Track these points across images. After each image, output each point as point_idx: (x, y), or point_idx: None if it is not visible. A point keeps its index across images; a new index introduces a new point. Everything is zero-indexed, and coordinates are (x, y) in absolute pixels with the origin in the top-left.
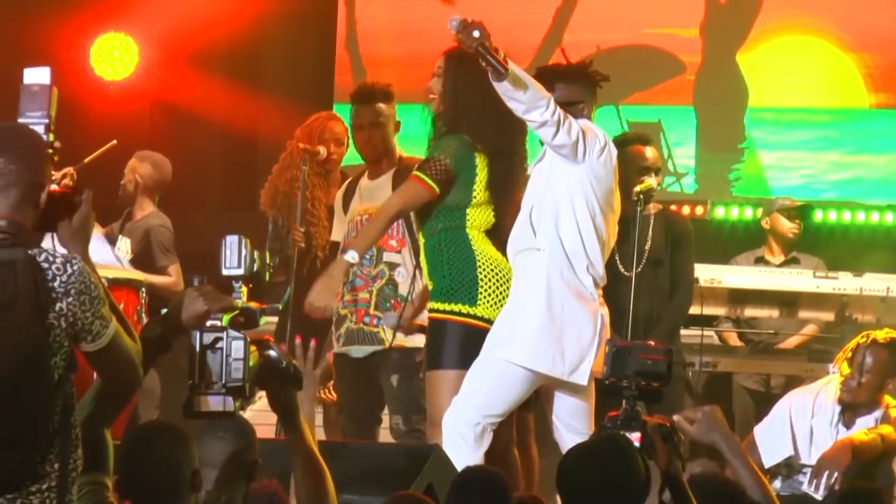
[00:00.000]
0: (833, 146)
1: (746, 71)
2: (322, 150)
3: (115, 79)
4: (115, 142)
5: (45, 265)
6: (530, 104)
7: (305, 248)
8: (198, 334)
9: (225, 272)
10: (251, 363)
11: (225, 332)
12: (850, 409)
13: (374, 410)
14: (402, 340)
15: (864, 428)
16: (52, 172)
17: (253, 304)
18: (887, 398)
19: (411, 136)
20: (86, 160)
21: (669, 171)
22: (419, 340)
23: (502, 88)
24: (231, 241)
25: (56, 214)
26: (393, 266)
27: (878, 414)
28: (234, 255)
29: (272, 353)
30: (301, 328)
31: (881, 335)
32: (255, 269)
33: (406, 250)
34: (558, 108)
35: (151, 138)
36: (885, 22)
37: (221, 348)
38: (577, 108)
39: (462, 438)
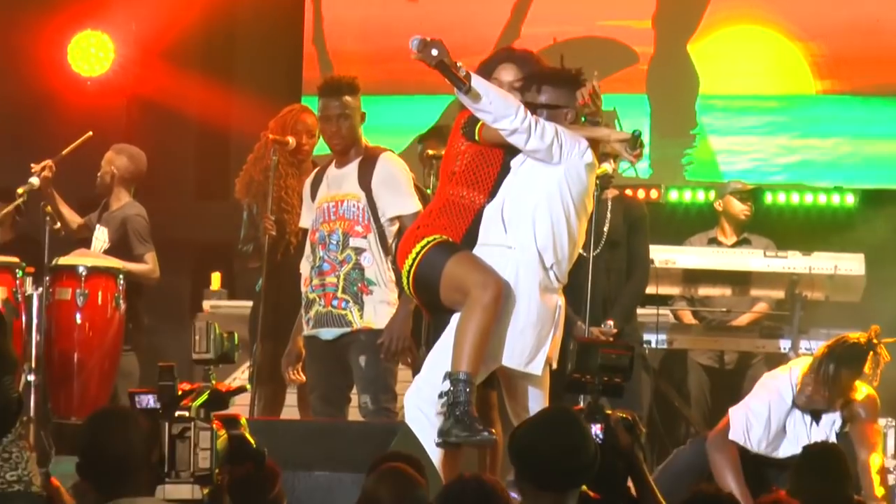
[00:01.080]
0: (781, 131)
1: (697, 60)
2: (291, 140)
3: (93, 75)
4: (90, 133)
5: None
6: (498, 114)
7: (279, 235)
8: (167, 424)
9: (195, 356)
10: (219, 447)
11: (193, 423)
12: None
13: (343, 390)
14: (370, 322)
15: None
16: (32, 165)
17: (220, 387)
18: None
19: (376, 126)
20: (63, 152)
21: (636, 163)
22: (384, 323)
23: (467, 101)
24: (200, 326)
25: None
26: (359, 251)
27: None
28: (203, 340)
29: (238, 432)
30: (273, 312)
31: (842, 350)
32: (223, 351)
33: (372, 235)
34: (528, 114)
35: (128, 132)
36: (830, 12)
37: (189, 437)
38: (561, 113)
39: (423, 415)
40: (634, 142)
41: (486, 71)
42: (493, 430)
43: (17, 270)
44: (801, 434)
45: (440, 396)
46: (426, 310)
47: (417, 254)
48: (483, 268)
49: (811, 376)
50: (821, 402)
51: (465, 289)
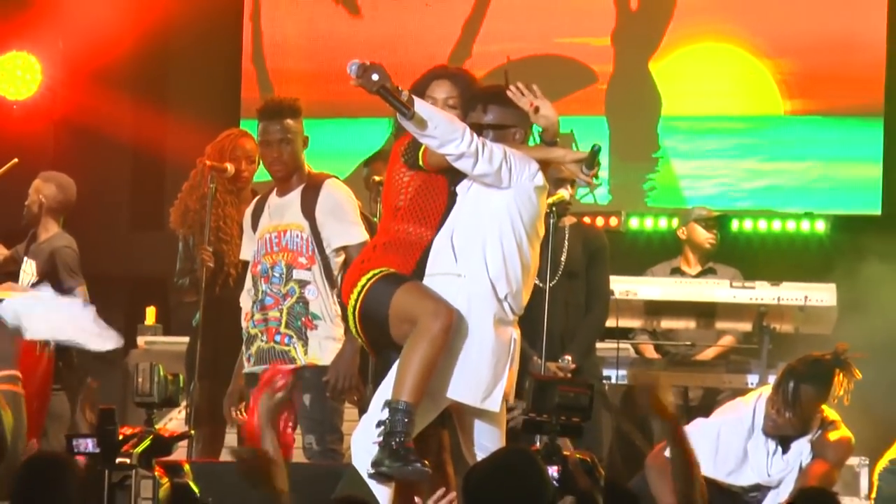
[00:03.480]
0: (748, 154)
1: (659, 79)
2: (230, 167)
3: (19, 98)
4: (16, 160)
5: None
6: (444, 138)
7: (217, 267)
8: (107, 472)
9: (137, 399)
10: (161, 496)
11: (134, 471)
12: (780, 436)
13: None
14: (315, 359)
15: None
16: None
17: (163, 432)
18: (826, 411)
19: (320, 151)
20: None
21: (596, 186)
22: (330, 359)
23: (410, 127)
24: (143, 368)
25: None
26: (303, 283)
27: (812, 437)
28: (146, 382)
29: (182, 480)
30: (211, 348)
31: (804, 367)
32: (167, 394)
33: (316, 267)
34: (475, 137)
35: (56, 158)
36: (800, 27)
37: (130, 486)
38: (509, 133)
39: (370, 456)
40: (592, 160)
41: (419, 89)
42: (426, 464)
43: None
44: (761, 462)
45: (377, 426)
46: (371, 349)
47: (363, 287)
48: (434, 297)
49: (773, 397)
50: (787, 427)
51: (414, 318)
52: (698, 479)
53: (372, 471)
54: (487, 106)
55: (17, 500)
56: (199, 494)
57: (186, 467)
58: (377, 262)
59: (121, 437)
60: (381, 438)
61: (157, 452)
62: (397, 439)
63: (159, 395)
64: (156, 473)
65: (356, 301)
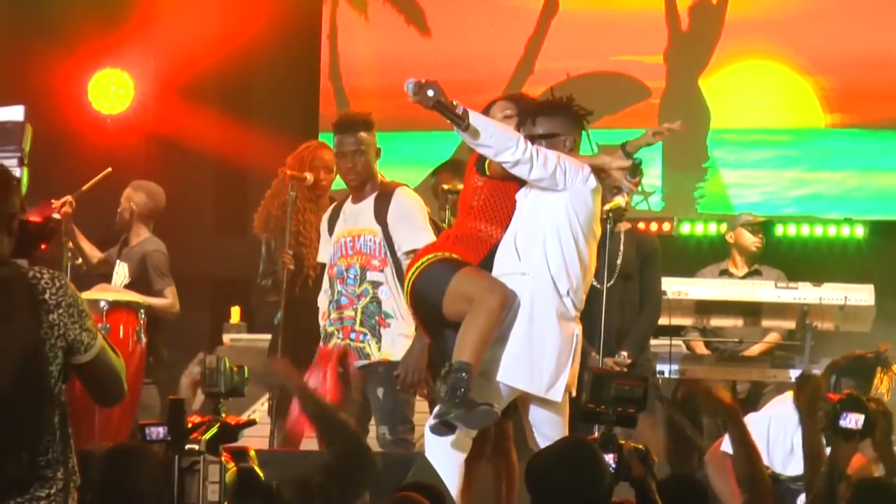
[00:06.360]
0: (792, 164)
1: (708, 94)
2: (309, 175)
3: (112, 112)
4: (109, 169)
5: (35, 280)
6: (499, 147)
7: (297, 269)
8: (176, 458)
9: (205, 390)
10: (227, 480)
11: (202, 457)
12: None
13: (362, 421)
14: (388, 354)
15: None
16: (53, 201)
17: (230, 420)
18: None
19: (392, 161)
20: (83, 188)
21: (638, 192)
22: (402, 355)
23: (467, 138)
24: (210, 360)
25: (30, 242)
26: (376, 284)
27: None
28: (213, 374)
29: (247, 465)
30: (292, 346)
31: (846, 363)
32: (233, 384)
33: (388, 269)
34: (528, 145)
35: (146, 168)
36: (840, 46)
37: (199, 471)
38: (559, 141)
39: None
40: (635, 169)
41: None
42: (493, 405)
43: (141, 311)
44: None
45: (439, 382)
46: (423, 326)
47: (422, 264)
48: (491, 277)
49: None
50: None
51: (471, 296)
52: (762, 470)
53: (434, 421)
54: (537, 118)
55: (97, 491)
56: (263, 478)
57: (252, 453)
58: (443, 247)
59: (190, 426)
60: (444, 395)
61: (223, 439)
62: (460, 391)
63: (225, 385)
64: (222, 459)
65: (413, 274)
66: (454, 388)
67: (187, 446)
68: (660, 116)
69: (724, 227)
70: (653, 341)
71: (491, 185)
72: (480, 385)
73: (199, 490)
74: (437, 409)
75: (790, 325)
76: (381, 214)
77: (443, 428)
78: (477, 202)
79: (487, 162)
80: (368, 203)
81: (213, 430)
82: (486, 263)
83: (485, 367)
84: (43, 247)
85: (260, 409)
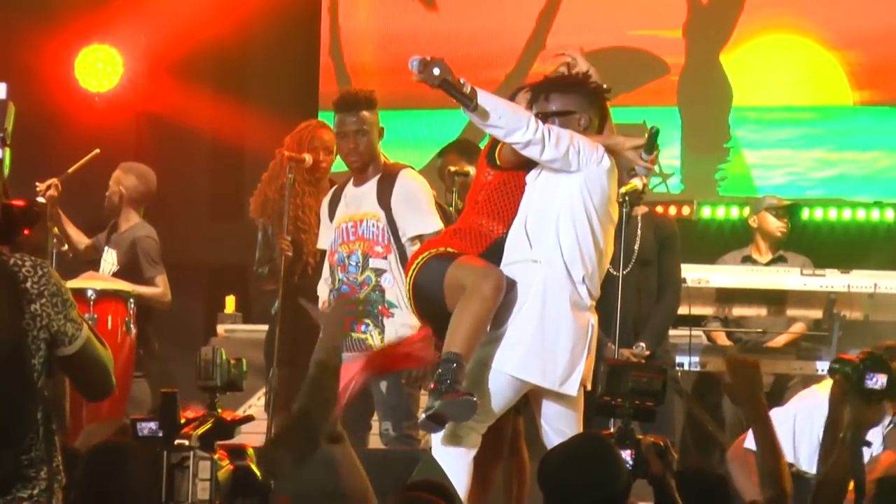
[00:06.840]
0: (818, 143)
1: (730, 70)
2: (308, 157)
3: (101, 90)
4: (97, 151)
5: (16, 268)
6: (509, 127)
7: (295, 256)
8: (165, 453)
9: (200, 384)
10: (220, 478)
11: (192, 452)
12: None
13: (363, 416)
14: None
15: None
16: (38, 183)
17: (226, 416)
18: None
19: (395, 141)
20: (69, 170)
21: (655, 172)
22: None
23: (475, 118)
24: (205, 352)
25: (13, 227)
26: (379, 272)
27: (885, 429)
28: (208, 367)
29: (244, 463)
30: (289, 335)
31: (877, 350)
32: (229, 378)
33: (392, 256)
34: (540, 124)
35: (137, 149)
36: (868, 19)
37: (188, 467)
38: (573, 119)
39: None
40: (651, 144)
41: None
42: (473, 395)
43: (130, 300)
44: None
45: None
46: (431, 326)
47: (420, 262)
48: (486, 263)
49: None
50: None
51: (466, 284)
52: (784, 468)
53: (424, 416)
54: (550, 95)
55: (80, 490)
56: (260, 477)
57: (250, 451)
58: (440, 243)
59: (182, 420)
60: (431, 386)
61: (218, 435)
62: (446, 382)
63: (221, 379)
64: (215, 455)
65: (412, 274)
66: (440, 381)
67: (177, 441)
68: (679, 94)
69: (746, 210)
70: (672, 331)
71: (498, 180)
72: (482, 376)
73: (188, 487)
74: (427, 403)
75: (817, 314)
76: (384, 198)
77: (432, 423)
78: (482, 197)
79: (497, 152)
80: (371, 186)
81: (207, 425)
82: (486, 258)
83: (485, 357)
84: (26, 232)
85: (256, 405)
